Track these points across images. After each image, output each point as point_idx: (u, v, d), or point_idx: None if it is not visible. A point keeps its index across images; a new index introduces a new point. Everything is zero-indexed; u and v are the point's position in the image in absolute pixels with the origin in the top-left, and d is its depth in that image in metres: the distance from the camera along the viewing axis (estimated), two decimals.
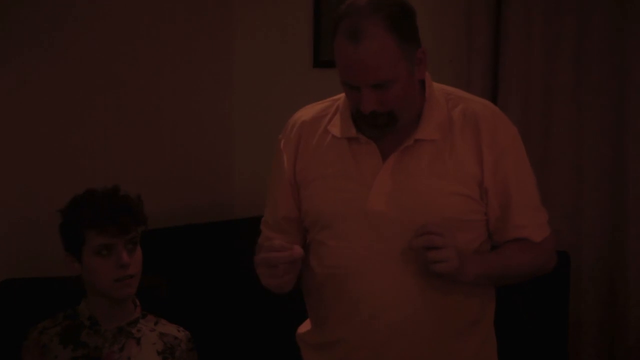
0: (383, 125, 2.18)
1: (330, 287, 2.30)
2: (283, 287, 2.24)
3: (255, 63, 4.00)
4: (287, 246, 2.18)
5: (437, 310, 2.23)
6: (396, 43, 2.10)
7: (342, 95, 2.28)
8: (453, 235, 2.12)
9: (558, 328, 3.24)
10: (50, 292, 2.75)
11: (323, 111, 2.35)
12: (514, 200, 2.24)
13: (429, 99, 2.24)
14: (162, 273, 2.80)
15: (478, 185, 2.22)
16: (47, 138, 3.36)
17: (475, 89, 3.32)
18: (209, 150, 4.02)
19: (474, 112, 2.26)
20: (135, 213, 2.53)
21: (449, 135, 2.23)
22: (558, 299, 3.23)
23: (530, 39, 3.45)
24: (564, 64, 3.43)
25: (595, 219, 3.40)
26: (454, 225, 2.17)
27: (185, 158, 3.89)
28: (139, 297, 2.58)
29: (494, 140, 2.23)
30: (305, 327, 2.43)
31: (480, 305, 2.32)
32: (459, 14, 3.59)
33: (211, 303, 3.45)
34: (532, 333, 3.15)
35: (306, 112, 2.39)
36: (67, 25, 3.44)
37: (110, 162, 3.48)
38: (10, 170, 3.25)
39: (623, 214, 3.36)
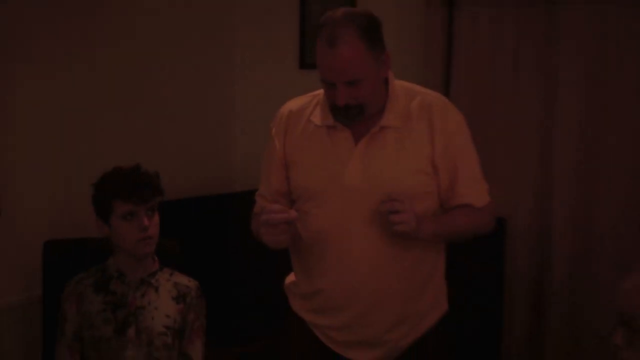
0: (354, 115, 2.17)
1: (314, 248, 2.30)
2: (280, 244, 2.22)
3: (253, 65, 3.99)
4: (285, 209, 2.18)
5: (399, 264, 2.24)
6: (365, 48, 2.10)
7: (321, 91, 2.27)
8: (411, 203, 2.13)
9: (496, 280, 3.28)
10: (85, 250, 2.73)
11: (306, 104, 2.34)
12: (460, 174, 2.25)
13: (391, 93, 2.23)
14: (175, 235, 2.79)
15: (431, 163, 2.22)
16: (81, 124, 3.34)
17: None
18: (215, 135, 4.01)
19: (428, 103, 2.25)
20: (154, 186, 2.51)
21: (408, 122, 2.22)
22: (496, 257, 3.28)
23: (476, 49, 3.46)
24: (503, 69, 3.44)
25: (527, 191, 3.43)
26: (413, 196, 2.17)
27: (195, 141, 3.89)
28: (156, 253, 2.58)
29: (444, 126, 2.23)
30: (290, 278, 2.44)
31: (434, 259, 2.33)
32: (418, 24, 3.58)
33: (215, 259, 3.45)
34: (475, 285, 3.17)
35: (292, 104, 2.37)
36: (101, 34, 3.43)
37: (133, 144, 3.48)
38: (54, 153, 3.25)
39: (550, 186, 3.39)
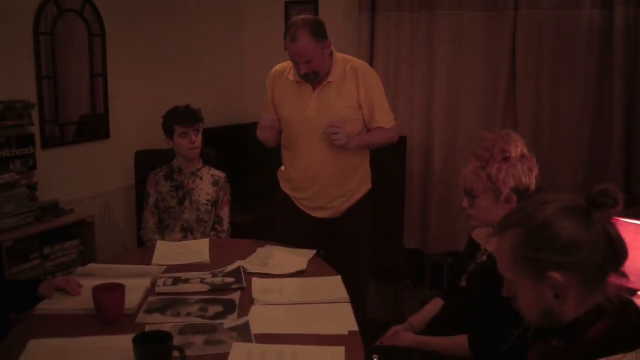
0: (311, 79, 2.21)
1: (290, 153, 2.35)
2: (268, 140, 2.31)
3: (257, 50, 3.85)
4: (273, 119, 2.30)
5: (338, 160, 2.29)
6: (315, 40, 2.12)
7: None
8: (345, 127, 2.19)
9: (401, 172, 3.27)
10: (159, 155, 2.72)
11: (286, 67, 2.33)
12: (376, 109, 2.27)
13: (334, 62, 2.25)
14: (211, 146, 2.76)
15: (357, 103, 2.26)
16: (157, 79, 3.32)
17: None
18: (235, 88, 3.89)
19: (356, 67, 2.27)
20: (198, 116, 2.51)
21: (345, 79, 2.25)
22: (402, 158, 3.26)
23: (388, 39, 3.34)
24: (404, 50, 3.34)
25: (419, 121, 3.38)
26: (347, 122, 2.22)
27: (223, 92, 3.79)
28: (201, 157, 2.58)
29: (365, 80, 2.25)
30: (280, 170, 2.47)
31: (360, 159, 2.37)
32: (354, 23, 3.46)
33: (235, 161, 3.28)
34: (389, 175, 3.11)
35: (278, 67, 2.37)
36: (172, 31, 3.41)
37: (185, 92, 3.40)
38: (141, 98, 3.24)
39: (432, 118, 3.32)
